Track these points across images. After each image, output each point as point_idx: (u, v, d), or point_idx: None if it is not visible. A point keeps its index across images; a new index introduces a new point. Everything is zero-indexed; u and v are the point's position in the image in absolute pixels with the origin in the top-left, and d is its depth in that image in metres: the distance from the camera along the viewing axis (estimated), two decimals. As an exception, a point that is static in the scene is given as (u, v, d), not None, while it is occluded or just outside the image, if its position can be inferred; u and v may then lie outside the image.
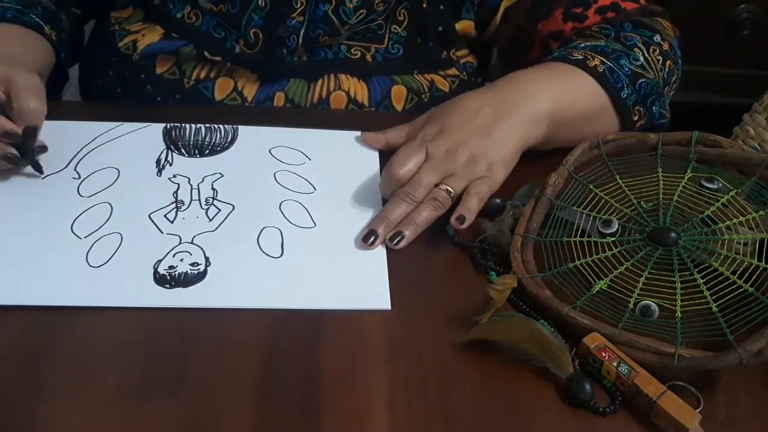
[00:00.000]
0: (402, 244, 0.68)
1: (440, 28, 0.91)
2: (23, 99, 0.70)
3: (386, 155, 0.78)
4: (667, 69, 0.86)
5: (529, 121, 0.75)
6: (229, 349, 0.58)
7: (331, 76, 0.89)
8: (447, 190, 0.70)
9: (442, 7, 0.89)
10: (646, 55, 0.84)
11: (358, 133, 0.83)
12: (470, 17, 0.92)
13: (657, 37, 0.87)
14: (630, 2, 0.88)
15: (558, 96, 0.77)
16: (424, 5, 0.88)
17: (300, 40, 0.86)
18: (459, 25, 0.92)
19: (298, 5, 0.85)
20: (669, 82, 0.86)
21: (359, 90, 0.89)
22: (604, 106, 0.80)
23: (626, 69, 0.82)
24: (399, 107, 0.91)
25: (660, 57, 0.85)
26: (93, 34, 0.99)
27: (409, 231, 0.68)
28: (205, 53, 0.87)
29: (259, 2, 0.85)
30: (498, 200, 0.71)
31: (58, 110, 0.77)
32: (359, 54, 0.89)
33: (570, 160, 0.72)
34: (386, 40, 0.89)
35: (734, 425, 0.55)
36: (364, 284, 0.64)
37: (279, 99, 0.88)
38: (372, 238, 0.68)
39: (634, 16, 0.88)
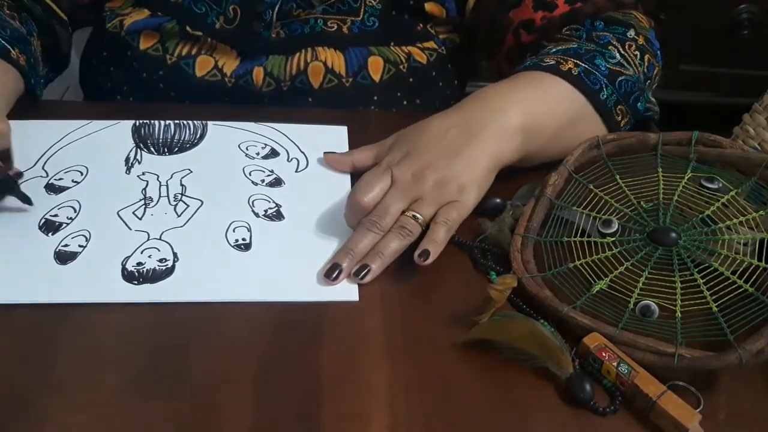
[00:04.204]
0: (368, 278, 0.64)
1: (412, 2, 0.91)
2: None
3: (355, 145, 0.79)
4: (646, 63, 0.84)
5: (500, 138, 0.72)
6: (228, 349, 0.58)
7: (309, 49, 0.90)
8: (415, 216, 0.67)
9: None
10: (622, 51, 0.82)
11: (327, 126, 0.83)
12: (438, 1, 0.91)
13: (631, 33, 0.85)
14: None
15: (528, 108, 0.75)
16: None
17: (274, 15, 0.88)
18: (428, 6, 0.91)
19: None
20: (650, 76, 0.85)
21: (336, 60, 0.89)
22: (583, 109, 0.78)
23: (603, 68, 0.79)
24: (376, 77, 0.91)
25: (637, 52, 0.83)
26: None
27: (377, 264, 0.65)
28: (187, 28, 0.88)
29: None
30: (498, 200, 0.71)
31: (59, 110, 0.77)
32: (335, 27, 0.90)
33: (570, 160, 0.72)
34: (362, 12, 0.89)
35: (734, 425, 0.55)
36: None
37: (258, 74, 0.89)
38: (336, 273, 0.64)
39: (603, 6, 0.86)
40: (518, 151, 0.73)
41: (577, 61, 0.79)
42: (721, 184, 0.67)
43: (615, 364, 0.55)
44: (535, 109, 0.75)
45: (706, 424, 0.52)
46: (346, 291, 0.64)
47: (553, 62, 0.79)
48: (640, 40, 0.85)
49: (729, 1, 1.70)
